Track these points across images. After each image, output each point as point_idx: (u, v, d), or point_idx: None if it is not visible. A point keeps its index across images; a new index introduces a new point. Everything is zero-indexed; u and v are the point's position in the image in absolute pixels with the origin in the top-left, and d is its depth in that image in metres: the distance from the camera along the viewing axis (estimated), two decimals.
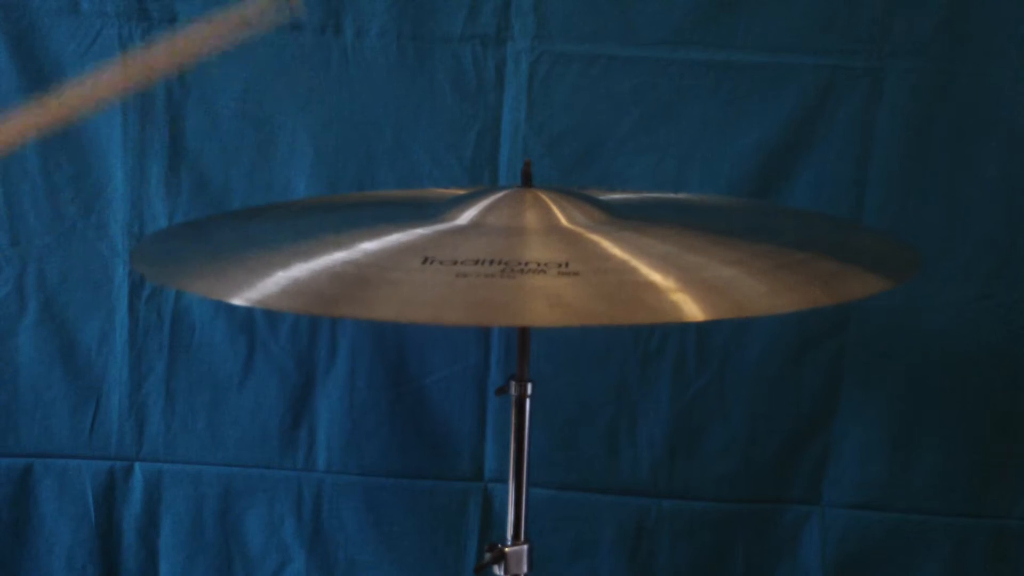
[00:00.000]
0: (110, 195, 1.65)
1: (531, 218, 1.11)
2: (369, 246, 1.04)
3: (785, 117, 1.60)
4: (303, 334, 1.69)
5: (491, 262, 0.97)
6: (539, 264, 0.97)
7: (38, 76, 1.59)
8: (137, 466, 1.72)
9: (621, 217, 1.16)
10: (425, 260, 0.98)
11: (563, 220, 1.11)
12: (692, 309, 0.93)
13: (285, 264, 1.00)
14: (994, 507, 1.68)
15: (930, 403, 1.67)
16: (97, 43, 1.60)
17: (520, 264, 0.97)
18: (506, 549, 1.24)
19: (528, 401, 1.25)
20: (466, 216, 1.12)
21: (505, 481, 1.28)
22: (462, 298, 0.92)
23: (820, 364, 1.66)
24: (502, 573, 1.24)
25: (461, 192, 1.27)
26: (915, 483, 1.68)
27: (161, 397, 1.71)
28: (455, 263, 0.97)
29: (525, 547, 1.25)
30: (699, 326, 1.65)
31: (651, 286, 0.95)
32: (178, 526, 1.74)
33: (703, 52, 1.58)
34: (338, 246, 1.04)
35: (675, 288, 0.94)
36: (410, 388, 1.70)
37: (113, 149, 1.63)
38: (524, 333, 1.26)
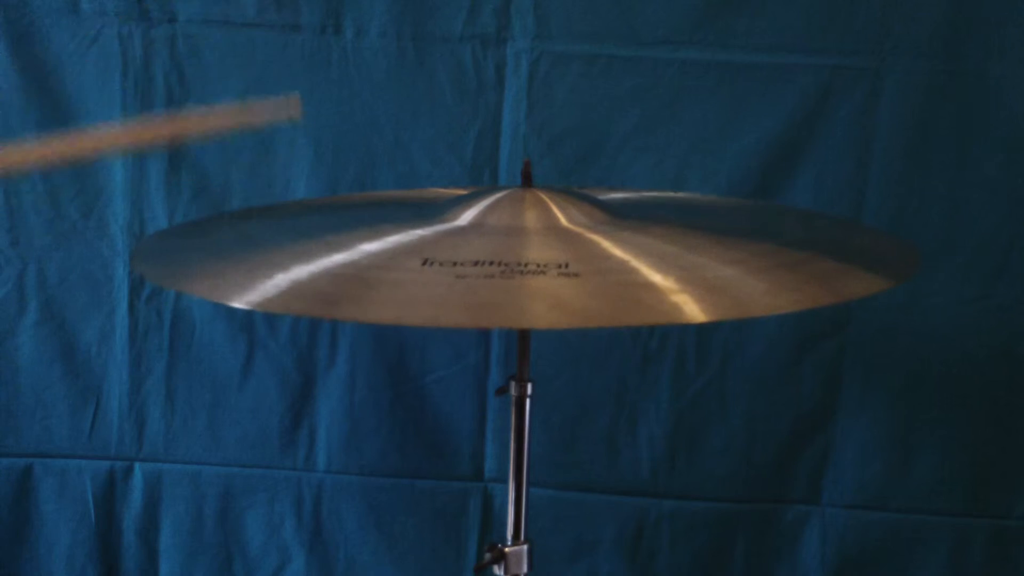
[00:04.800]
0: (110, 195, 1.65)
1: (531, 218, 1.11)
2: (369, 247, 1.04)
3: (785, 117, 1.59)
4: (303, 334, 1.69)
5: (491, 263, 0.96)
6: (539, 265, 0.96)
7: (38, 76, 1.59)
8: (137, 466, 1.72)
9: (621, 217, 1.15)
10: (425, 262, 0.98)
11: (563, 220, 1.11)
12: (693, 310, 0.92)
13: (285, 266, 0.99)
14: (994, 507, 1.68)
15: (930, 403, 1.67)
16: (97, 43, 1.60)
17: (520, 265, 0.96)
18: (506, 549, 1.24)
19: (528, 401, 1.24)
20: (466, 216, 1.12)
21: (505, 481, 1.28)
22: (462, 300, 0.91)
23: (820, 364, 1.66)
24: (502, 573, 1.23)
25: (461, 192, 1.26)
26: (915, 483, 1.68)
27: (161, 397, 1.70)
28: (455, 264, 0.97)
29: (525, 547, 1.25)
30: (699, 326, 1.65)
31: (651, 287, 0.94)
32: (178, 526, 1.74)
33: (703, 52, 1.58)
34: (338, 247, 1.04)
35: (676, 289, 0.94)
36: (410, 388, 1.70)
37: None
38: (524, 333, 1.26)
